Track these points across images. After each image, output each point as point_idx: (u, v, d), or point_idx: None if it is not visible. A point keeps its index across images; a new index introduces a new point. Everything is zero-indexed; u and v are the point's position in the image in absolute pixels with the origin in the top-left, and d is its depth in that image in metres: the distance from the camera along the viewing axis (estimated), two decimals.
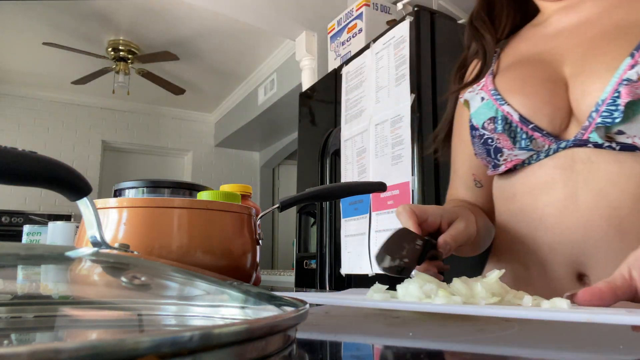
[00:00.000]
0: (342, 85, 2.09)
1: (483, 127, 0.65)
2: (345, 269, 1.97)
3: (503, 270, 0.44)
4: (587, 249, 0.56)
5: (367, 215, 1.81)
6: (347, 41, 2.32)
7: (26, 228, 1.06)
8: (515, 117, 0.62)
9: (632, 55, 0.53)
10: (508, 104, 0.62)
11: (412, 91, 1.63)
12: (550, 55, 0.64)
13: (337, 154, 2.08)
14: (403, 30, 1.74)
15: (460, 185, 0.78)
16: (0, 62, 4.02)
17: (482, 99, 0.66)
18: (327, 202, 2.11)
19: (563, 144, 0.59)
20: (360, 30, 2.24)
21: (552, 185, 0.60)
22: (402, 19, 1.76)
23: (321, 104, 2.33)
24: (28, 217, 3.86)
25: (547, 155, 0.61)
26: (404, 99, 1.65)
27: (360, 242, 1.86)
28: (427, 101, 1.62)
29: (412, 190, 1.58)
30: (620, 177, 0.55)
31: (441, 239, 0.56)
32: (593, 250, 0.56)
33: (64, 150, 4.62)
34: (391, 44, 1.80)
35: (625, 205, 0.55)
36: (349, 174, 1.97)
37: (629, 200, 0.54)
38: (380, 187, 0.72)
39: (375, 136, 1.80)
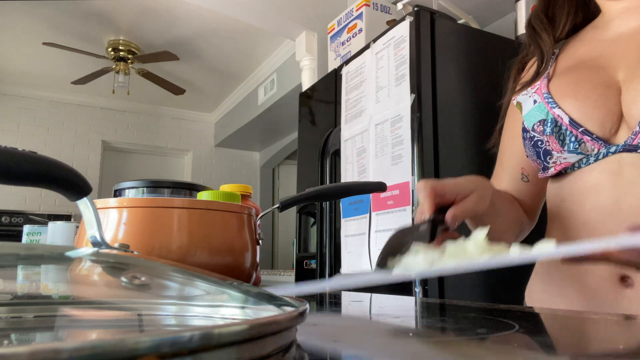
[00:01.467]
0: (342, 85, 2.09)
1: (533, 129, 0.66)
2: (345, 269, 1.97)
3: (487, 227, 0.47)
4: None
5: (367, 215, 1.81)
6: (347, 41, 2.32)
7: (26, 228, 1.06)
8: (566, 120, 0.62)
9: None
10: (559, 107, 0.63)
11: (412, 91, 1.63)
12: (607, 60, 0.64)
13: (337, 154, 2.08)
14: (403, 30, 1.74)
15: (505, 177, 0.78)
16: (0, 62, 4.02)
17: (535, 101, 0.67)
18: (327, 202, 2.11)
19: (612, 149, 0.59)
20: (360, 30, 2.24)
21: (599, 190, 0.60)
22: (402, 19, 1.76)
23: (321, 104, 2.33)
24: (28, 217, 3.86)
25: (596, 160, 0.61)
26: (404, 99, 1.65)
27: (360, 242, 1.86)
28: (427, 101, 1.62)
29: (412, 190, 1.58)
30: None
31: (449, 214, 0.58)
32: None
33: (64, 150, 4.62)
34: (391, 44, 1.80)
35: None
36: (349, 174, 1.97)
37: None
38: (380, 187, 0.73)
39: (375, 136, 1.80)
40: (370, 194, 1.78)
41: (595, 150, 0.61)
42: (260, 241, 0.67)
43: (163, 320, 0.30)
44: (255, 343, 0.21)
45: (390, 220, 1.68)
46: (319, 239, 2.15)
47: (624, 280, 0.57)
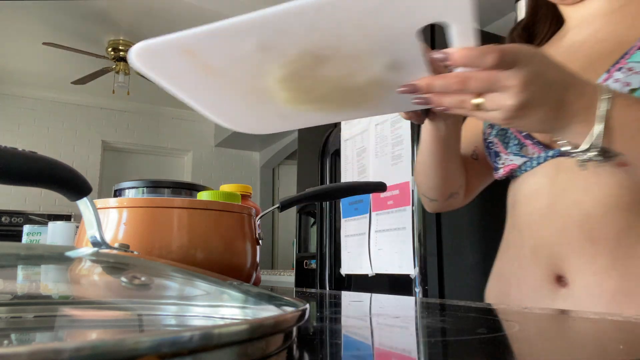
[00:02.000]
0: None
1: (485, 132, 0.72)
2: (345, 269, 1.97)
3: None
4: (563, 253, 0.60)
5: (367, 215, 1.81)
6: None
7: (26, 228, 1.06)
8: None
9: (608, 71, 0.57)
10: None
11: None
12: None
13: (337, 154, 2.08)
14: None
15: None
16: (0, 62, 4.02)
17: None
18: (327, 202, 2.11)
19: (550, 153, 0.63)
20: None
21: (539, 193, 0.65)
22: None
23: None
24: (28, 217, 3.86)
25: (538, 164, 0.65)
26: None
27: (360, 242, 1.86)
28: None
29: (412, 190, 1.58)
30: (595, 187, 0.59)
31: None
32: (568, 254, 0.60)
33: (64, 150, 4.61)
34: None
35: (596, 214, 0.58)
36: (349, 174, 1.97)
37: (601, 209, 0.58)
38: (380, 187, 0.73)
39: (375, 136, 1.80)
40: (370, 194, 1.78)
41: (536, 154, 0.65)
42: (260, 241, 0.67)
43: (163, 320, 0.30)
44: (255, 343, 0.21)
45: (390, 220, 1.68)
46: (319, 239, 2.15)
47: (559, 280, 0.61)
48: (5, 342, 0.24)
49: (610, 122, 0.45)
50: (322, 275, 2.12)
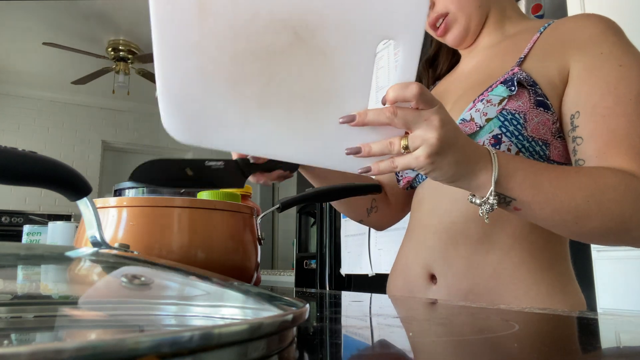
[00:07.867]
0: None
1: None
2: (345, 268, 1.97)
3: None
4: (434, 255, 0.71)
5: None
6: None
7: (26, 228, 1.06)
8: None
9: (474, 101, 0.67)
10: None
11: None
12: (446, 93, 0.80)
13: None
14: None
15: None
16: (0, 62, 4.02)
17: None
18: (327, 202, 2.11)
19: None
20: None
21: (423, 202, 0.76)
22: None
23: None
24: (28, 217, 3.86)
25: (426, 177, 0.74)
26: None
27: (360, 242, 1.86)
28: None
29: None
30: (461, 199, 0.68)
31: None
32: (438, 256, 0.70)
33: (64, 150, 4.62)
34: (391, 44, 1.80)
35: (459, 222, 0.68)
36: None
37: (463, 218, 0.68)
38: (375, 188, 0.75)
39: None
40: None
41: None
42: (261, 241, 0.67)
43: (163, 320, 0.30)
44: (255, 343, 0.21)
45: None
46: (319, 239, 2.16)
47: (432, 278, 0.71)
48: (5, 342, 0.24)
49: (501, 171, 0.51)
50: (322, 275, 2.12)
